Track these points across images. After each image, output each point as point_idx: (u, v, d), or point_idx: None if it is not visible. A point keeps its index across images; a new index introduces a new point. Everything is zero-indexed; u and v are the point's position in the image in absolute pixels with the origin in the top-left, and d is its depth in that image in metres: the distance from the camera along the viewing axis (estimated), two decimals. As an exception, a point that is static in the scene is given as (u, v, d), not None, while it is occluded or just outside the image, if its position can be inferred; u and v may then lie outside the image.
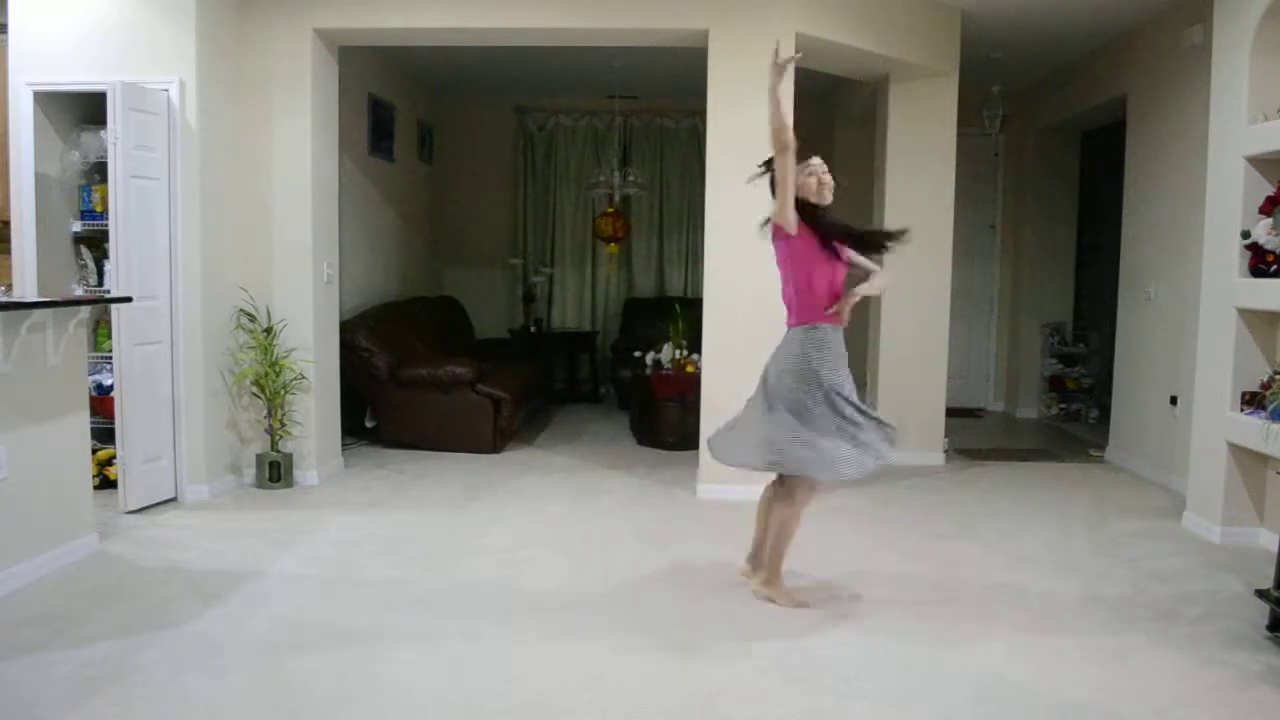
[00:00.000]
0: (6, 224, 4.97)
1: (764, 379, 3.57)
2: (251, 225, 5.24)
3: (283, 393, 5.20)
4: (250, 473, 5.32)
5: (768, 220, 3.51)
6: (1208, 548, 4.40)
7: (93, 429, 4.28)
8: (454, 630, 3.34)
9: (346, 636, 3.26)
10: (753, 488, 5.18)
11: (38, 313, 3.64)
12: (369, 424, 6.56)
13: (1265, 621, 3.39)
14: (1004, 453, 6.61)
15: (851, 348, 7.18)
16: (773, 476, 3.70)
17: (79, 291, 5.02)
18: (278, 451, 5.25)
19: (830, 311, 3.45)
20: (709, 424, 5.27)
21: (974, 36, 6.10)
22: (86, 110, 4.98)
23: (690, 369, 6.37)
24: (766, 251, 5.28)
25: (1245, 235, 4.27)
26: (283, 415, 5.23)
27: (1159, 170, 5.78)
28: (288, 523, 4.61)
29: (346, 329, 6.11)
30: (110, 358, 4.80)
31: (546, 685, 2.92)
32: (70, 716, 2.66)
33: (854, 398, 3.46)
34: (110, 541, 4.22)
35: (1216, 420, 4.49)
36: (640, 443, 6.73)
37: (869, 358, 6.52)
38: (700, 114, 7.42)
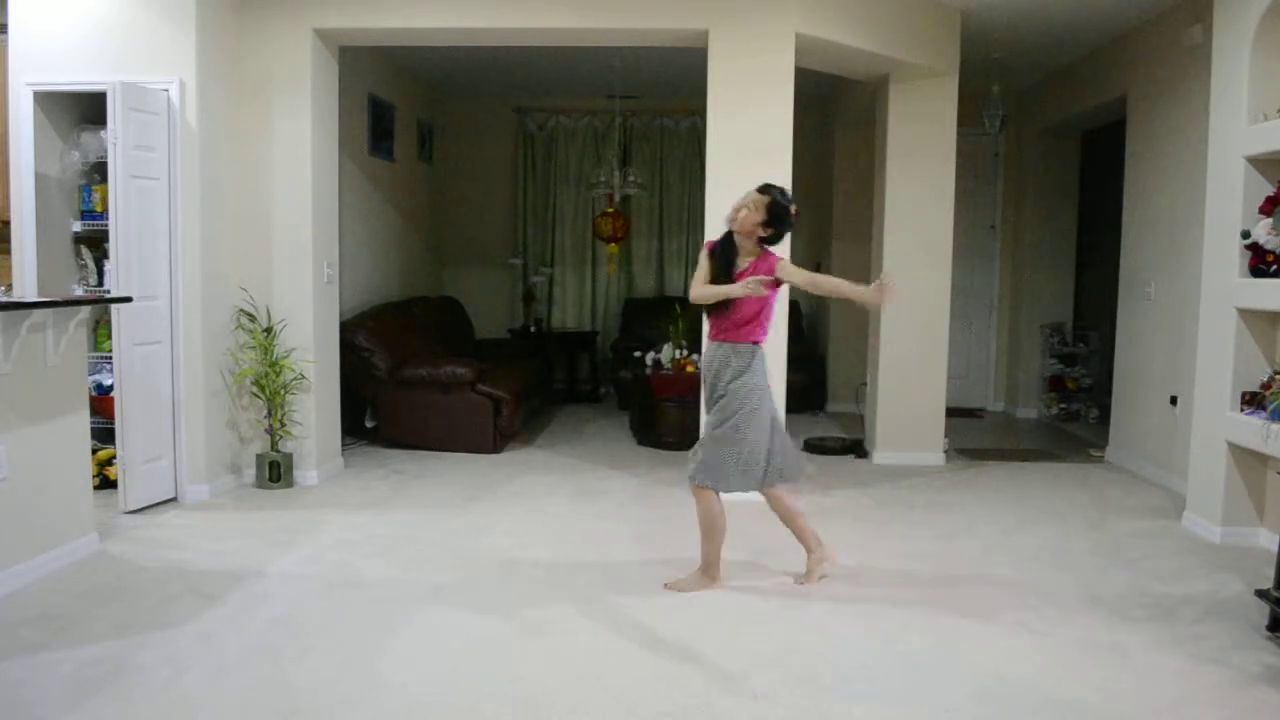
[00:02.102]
0: (6, 224, 4.97)
1: (766, 395, 3.74)
2: (251, 225, 5.24)
3: (283, 393, 5.20)
4: (250, 473, 5.32)
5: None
6: (1208, 548, 4.40)
7: (93, 429, 4.28)
8: (454, 630, 3.34)
9: (346, 636, 3.26)
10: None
11: (38, 313, 3.64)
12: (369, 424, 6.56)
13: (1265, 621, 3.39)
14: (1004, 453, 6.61)
15: (852, 348, 7.20)
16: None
17: (79, 291, 5.02)
18: (278, 451, 5.25)
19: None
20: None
21: (974, 36, 6.10)
22: (86, 110, 4.98)
23: (690, 369, 6.37)
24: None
25: (1245, 235, 4.27)
26: (283, 415, 5.23)
27: (1159, 170, 5.78)
28: (288, 523, 4.61)
29: (346, 329, 6.11)
30: (110, 358, 4.80)
31: (546, 685, 2.92)
32: (70, 716, 2.66)
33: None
34: (110, 541, 4.22)
35: (1216, 420, 4.49)
36: (640, 443, 6.73)
37: (869, 358, 6.52)
38: (700, 114, 7.42)
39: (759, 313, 3.68)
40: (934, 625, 3.44)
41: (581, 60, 7.19)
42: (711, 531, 3.79)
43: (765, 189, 3.67)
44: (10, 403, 3.59)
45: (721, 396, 3.71)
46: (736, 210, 3.70)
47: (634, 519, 4.84)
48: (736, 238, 3.72)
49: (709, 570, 3.81)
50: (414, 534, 4.48)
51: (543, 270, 8.97)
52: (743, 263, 3.70)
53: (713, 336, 3.78)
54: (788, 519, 3.89)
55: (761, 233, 3.67)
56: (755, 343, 3.71)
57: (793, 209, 3.71)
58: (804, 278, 3.71)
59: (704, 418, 3.85)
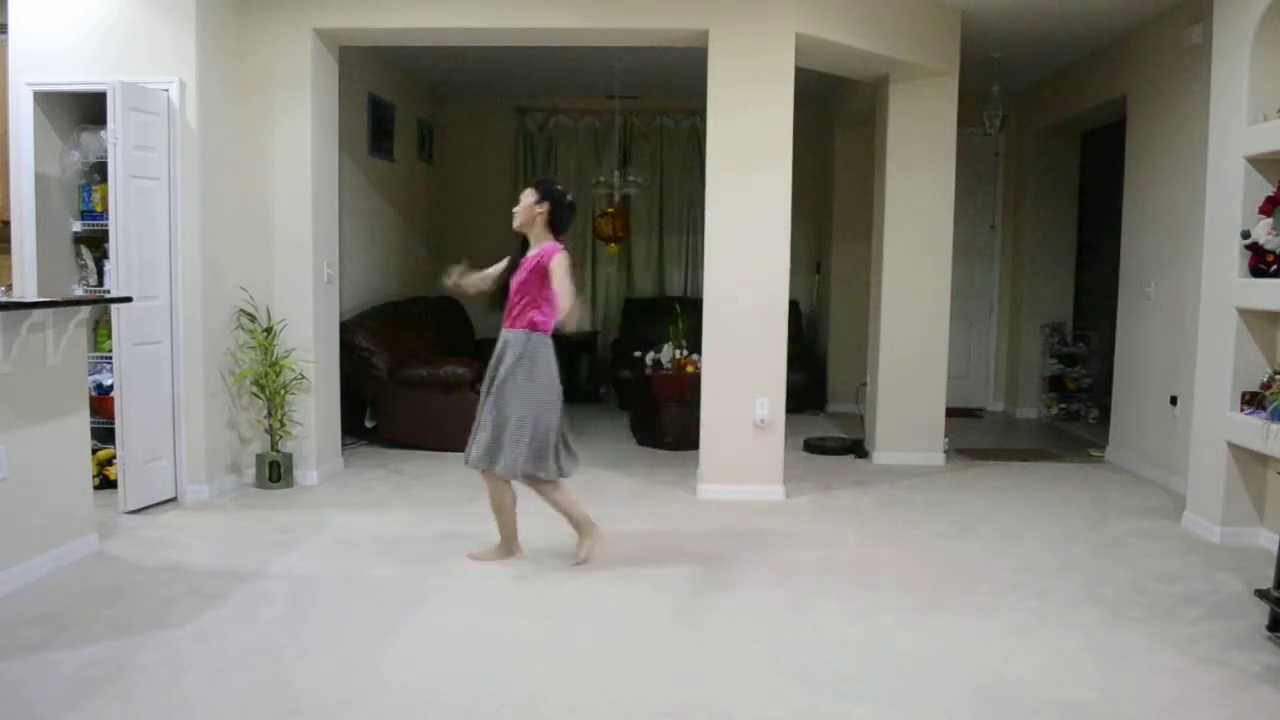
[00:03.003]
0: (6, 224, 4.97)
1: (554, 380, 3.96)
2: (251, 225, 5.24)
3: (283, 393, 5.20)
4: (250, 473, 5.32)
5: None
6: (1208, 548, 4.40)
7: (93, 429, 4.27)
8: (454, 630, 3.34)
9: (346, 636, 3.26)
10: (751, 488, 5.20)
11: (38, 313, 3.64)
12: (369, 424, 6.56)
13: (1265, 621, 3.39)
14: (1004, 453, 6.61)
15: (852, 348, 7.23)
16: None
17: (79, 291, 5.02)
18: (278, 451, 5.25)
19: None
20: (709, 424, 5.29)
21: (974, 36, 6.10)
22: (86, 110, 4.98)
23: (690, 369, 6.37)
24: (765, 252, 5.31)
25: (1245, 235, 4.27)
26: (283, 415, 5.23)
27: (1159, 170, 5.78)
28: (288, 523, 4.61)
29: (346, 329, 6.10)
30: (110, 358, 4.80)
31: (546, 685, 2.91)
32: (70, 716, 2.66)
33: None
34: (110, 541, 4.22)
35: (1216, 420, 4.48)
36: (640, 443, 6.73)
37: (869, 358, 6.52)
38: (700, 114, 7.41)
39: (520, 300, 3.91)
40: (934, 625, 3.44)
41: (581, 60, 7.18)
42: (500, 509, 4.06)
43: (535, 182, 4.07)
44: (10, 403, 3.59)
45: (503, 381, 3.89)
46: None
47: (634, 519, 4.84)
48: (529, 235, 4.00)
49: (507, 544, 4.11)
50: (414, 534, 4.48)
51: (543, 270, 8.95)
52: (530, 251, 3.97)
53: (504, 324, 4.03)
54: (499, 509, 4.09)
55: (539, 210, 3.96)
56: (527, 329, 3.90)
57: (559, 187, 4.04)
58: (559, 283, 3.81)
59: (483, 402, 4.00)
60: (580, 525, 4.12)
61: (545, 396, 3.89)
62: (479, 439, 3.93)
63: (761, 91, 5.14)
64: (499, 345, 3.96)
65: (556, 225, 3.98)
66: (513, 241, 4.08)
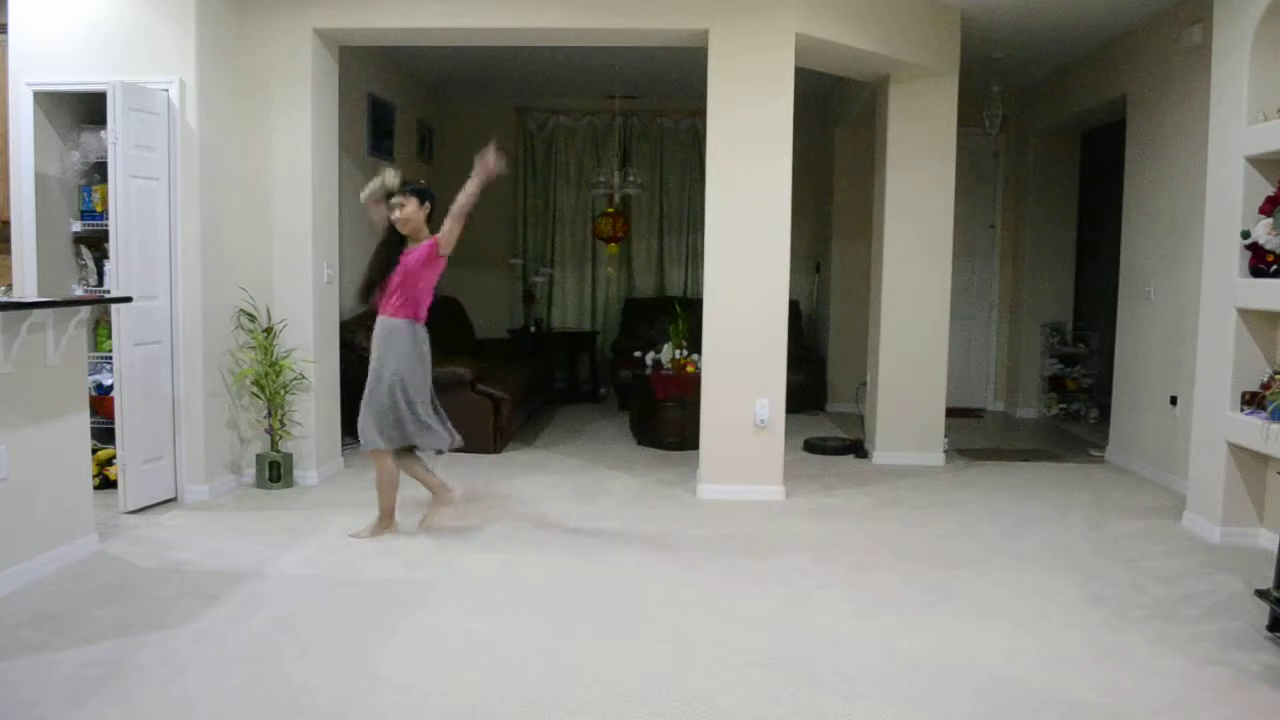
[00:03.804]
0: (6, 224, 4.97)
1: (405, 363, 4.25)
2: (251, 225, 5.24)
3: (283, 393, 5.20)
4: (250, 473, 5.32)
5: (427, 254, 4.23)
6: (1208, 548, 4.40)
7: (93, 429, 4.28)
8: (454, 630, 3.34)
9: (346, 636, 3.26)
10: (751, 488, 5.21)
11: (38, 313, 3.64)
12: (369, 424, 6.54)
13: (1265, 621, 3.39)
14: (1004, 453, 6.61)
15: (852, 348, 7.25)
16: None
17: (79, 291, 5.02)
18: (278, 451, 5.25)
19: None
20: (709, 424, 5.29)
21: (974, 36, 6.11)
22: (86, 110, 4.98)
23: (690, 369, 6.37)
24: (765, 252, 5.31)
25: (1245, 235, 4.27)
26: (283, 415, 5.23)
27: (1159, 170, 5.78)
28: (288, 523, 4.61)
29: (346, 329, 6.11)
30: (110, 358, 4.80)
31: (546, 685, 2.91)
32: (70, 716, 2.66)
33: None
34: (110, 541, 4.22)
35: (1216, 420, 4.49)
36: (640, 443, 6.73)
37: (869, 358, 6.52)
38: (700, 114, 7.43)
39: (404, 292, 4.22)
40: (934, 625, 3.44)
41: (581, 60, 7.19)
42: (386, 486, 4.37)
43: (409, 190, 4.25)
44: (10, 403, 3.59)
45: (388, 365, 4.24)
46: (392, 214, 4.24)
47: (634, 519, 4.84)
48: (412, 235, 4.28)
49: (385, 519, 4.41)
50: (413, 533, 4.48)
51: (543, 270, 8.97)
52: (411, 248, 4.26)
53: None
54: (411, 475, 4.51)
55: (423, 212, 4.28)
56: (410, 319, 4.25)
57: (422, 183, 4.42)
58: (449, 225, 4.20)
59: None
60: (386, 510, 4.43)
61: (420, 378, 4.27)
62: (413, 420, 4.28)
63: (761, 91, 5.14)
64: (380, 331, 4.25)
65: (433, 220, 4.32)
66: (379, 244, 4.32)
